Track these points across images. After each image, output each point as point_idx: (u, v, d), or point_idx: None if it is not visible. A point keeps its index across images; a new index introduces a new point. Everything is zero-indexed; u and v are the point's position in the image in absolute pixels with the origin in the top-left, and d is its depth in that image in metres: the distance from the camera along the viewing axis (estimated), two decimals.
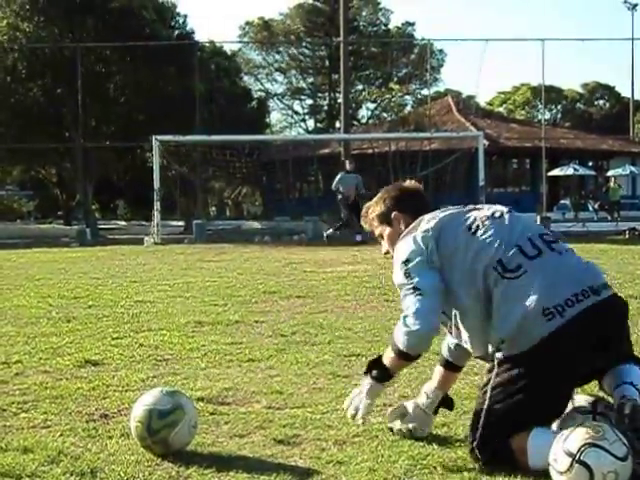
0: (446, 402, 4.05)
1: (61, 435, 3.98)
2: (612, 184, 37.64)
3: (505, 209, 3.77)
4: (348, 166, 21.96)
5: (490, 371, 3.54)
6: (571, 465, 3.10)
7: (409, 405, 4.00)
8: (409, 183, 4.09)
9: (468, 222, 3.66)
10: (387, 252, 3.97)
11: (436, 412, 4.01)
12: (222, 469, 3.46)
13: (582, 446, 3.11)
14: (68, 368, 5.61)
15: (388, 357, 3.73)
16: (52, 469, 3.48)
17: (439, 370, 4.09)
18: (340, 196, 21.44)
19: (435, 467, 3.47)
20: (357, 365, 5.57)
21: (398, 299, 9.11)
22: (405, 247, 3.66)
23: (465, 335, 3.67)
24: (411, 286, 3.59)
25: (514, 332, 3.42)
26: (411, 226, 3.75)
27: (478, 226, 3.63)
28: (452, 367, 4.07)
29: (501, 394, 3.44)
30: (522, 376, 3.41)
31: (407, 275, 3.60)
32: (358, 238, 20.25)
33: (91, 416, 4.37)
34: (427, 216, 3.75)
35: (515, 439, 3.37)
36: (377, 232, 4.00)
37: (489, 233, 3.59)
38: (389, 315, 7.88)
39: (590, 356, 3.47)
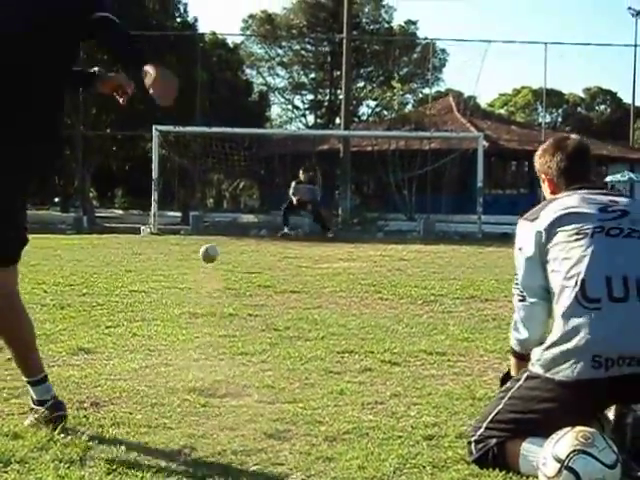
0: None
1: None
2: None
3: (629, 228, 3.49)
4: (302, 176, 22.02)
5: (517, 380, 3.54)
6: (559, 471, 3.10)
7: None
8: (578, 144, 3.86)
9: (577, 228, 3.48)
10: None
11: None
12: (212, 462, 3.47)
13: (571, 452, 3.11)
14: (61, 355, 5.61)
15: (512, 360, 3.82)
16: (41, 456, 3.48)
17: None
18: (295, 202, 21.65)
19: (424, 466, 3.47)
20: (350, 362, 5.58)
21: (392, 297, 9.18)
22: (523, 234, 3.62)
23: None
24: (519, 288, 3.64)
25: (556, 357, 3.35)
26: (539, 206, 3.67)
27: (587, 234, 3.45)
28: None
29: (518, 406, 3.45)
30: (542, 400, 3.39)
31: (519, 269, 3.63)
32: (286, 230, 21.24)
33: (82, 404, 4.37)
34: (555, 203, 3.62)
35: (510, 442, 3.39)
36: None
37: (590, 251, 3.41)
38: (383, 313, 7.89)
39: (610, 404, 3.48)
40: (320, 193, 22.42)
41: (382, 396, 4.65)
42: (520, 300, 3.62)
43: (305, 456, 3.60)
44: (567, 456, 3.10)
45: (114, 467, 3.37)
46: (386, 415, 4.24)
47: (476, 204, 23.62)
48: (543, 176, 3.88)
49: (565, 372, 3.32)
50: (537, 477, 3.23)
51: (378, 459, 3.54)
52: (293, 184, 21.85)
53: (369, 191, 40.70)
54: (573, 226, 3.49)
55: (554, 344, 3.37)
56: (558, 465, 3.10)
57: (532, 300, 3.58)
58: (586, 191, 3.66)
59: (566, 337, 3.33)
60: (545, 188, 3.90)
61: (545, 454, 3.17)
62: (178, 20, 38.19)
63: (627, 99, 61.66)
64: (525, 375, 3.50)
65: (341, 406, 4.39)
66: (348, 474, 3.37)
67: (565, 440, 3.15)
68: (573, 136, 3.97)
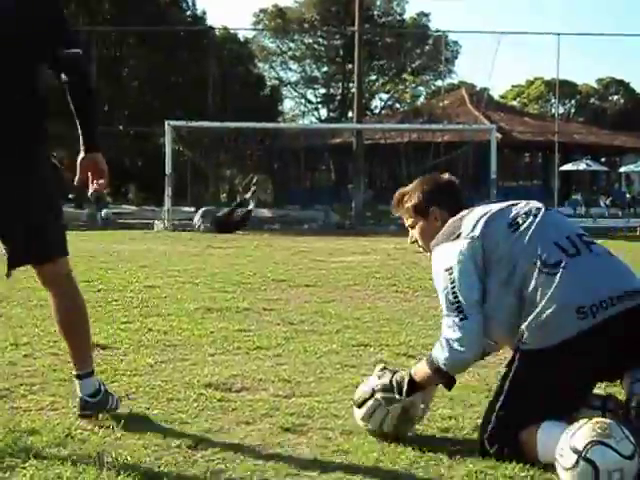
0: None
1: (68, 418, 3.99)
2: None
3: (542, 206, 3.73)
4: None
5: (510, 364, 3.53)
6: (577, 462, 3.09)
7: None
8: (447, 177, 4.01)
9: (509, 220, 3.62)
10: (415, 241, 3.95)
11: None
12: (229, 456, 3.47)
13: (588, 443, 3.09)
14: None
15: (422, 373, 3.71)
16: (59, 451, 3.50)
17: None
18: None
19: (441, 459, 3.46)
20: (365, 355, 5.59)
21: (407, 290, 9.16)
22: (448, 254, 3.60)
23: (495, 331, 3.64)
24: (456, 307, 3.53)
25: (544, 326, 3.39)
26: (450, 227, 3.69)
27: (518, 222, 3.60)
28: None
29: (519, 388, 3.44)
30: (542, 372, 3.40)
31: (452, 289, 3.54)
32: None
33: None
34: (468, 217, 3.68)
35: (525, 431, 3.38)
36: (408, 222, 3.95)
37: (529, 230, 3.56)
38: (397, 306, 7.89)
39: (615, 360, 3.46)
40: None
41: None
42: (462, 319, 3.51)
43: (322, 450, 3.60)
44: (584, 447, 3.08)
45: (131, 462, 3.37)
46: None
47: (490, 196, 23.60)
48: (428, 210, 3.86)
49: (558, 335, 3.37)
50: (555, 468, 3.22)
51: (394, 452, 3.54)
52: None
53: (382, 184, 40.68)
54: (503, 222, 3.60)
55: (538, 318, 3.40)
56: (575, 456, 3.09)
57: (472, 316, 3.52)
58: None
59: (547, 306, 3.39)
60: (432, 221, 3.85)
61: (562, 445, 3.16)
62: (190, 16, 38.20)
63: None
64: (517, 360, 3.49)
65: None
66: (365, 467, 3.37)
67: (582, 431, 3.14)
68: (444, 175, 4.05)
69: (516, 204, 3.73)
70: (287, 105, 60.86)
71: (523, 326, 3.45)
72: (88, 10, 34.06)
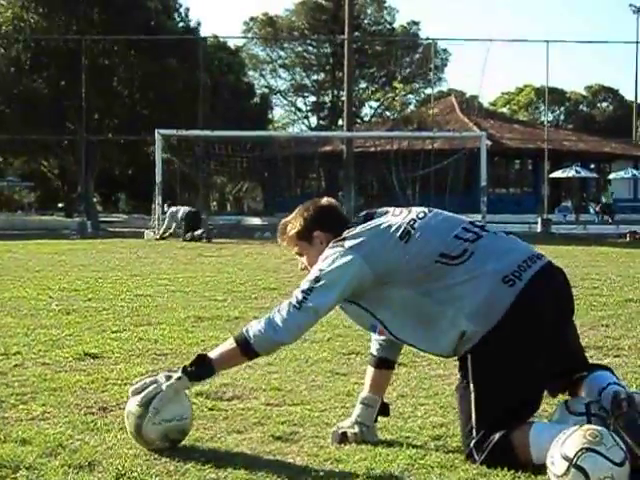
0: (384, 410, 3.95)
1: (59, 427, 3.98)
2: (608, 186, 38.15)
3: (426, 209, 3.78)
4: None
5: (462, 367, 3.55)
6: (568, 469, 3.10)
7: (346, 423, 3.89)
8: (326, 200, 3.99)
9: (397, 232, 3.61)
10: (304, 268, 3.88)
11: (376, 421, 3.91)
12: (220, 465, 3.46)
13: (579, 450, 3.10)
14: (67, 360, 5.62)
15: (224, 348, 3.69)
16: (50, 461, 3.49)
17: (371, 372, 3.99)
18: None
19: (432, 467, 3.46)
20: (356, 363, 5.59)
21: None
22: (329, 259, 3.59)
23: (414, 338, 3.62)
24: (306, 293, 3.55)
25: (481, 309, 3.45)
26: (335, 241, 3.67)
27: (408, 231, 3.61)
28: (386, 364, 3.99)
29: (484, 383, 3.45)
30: (499, 352, 3.43)
31: (314, 282, 3.55)
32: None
33: (90, 409, 4.37)
34: (350, 234, 3.65)
35: (516, 434, 3.37)
36: (295, 250, 3.90)
37: (421, 233, 3.60)
38: None
39: (554, 315, 3.55)
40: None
41: (389, 397, 4.63)
42: (297, 308, 3.53)
43: (313, 458, 3.60)
44: (575, 454, 3.09)
45: (123, 472, 3.37)
46: (393, 416, 4.23)
47: (480, 203, 23.63)
48: (312, 235, 3.83)
49: (496, 310, 3.44)
50: (546, 472, 3.22)
51: (386, 460, 3.54)
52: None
53: (372, 191, 40.69)
54: (392, 238, 3.60)
55: (471, 306, 3.46)
56: (567, 464, 3.10)
57: (307, 312, 3.54)
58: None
59: (475, 290, 3.47)
60: (316, 245, 3.81)
61: (553, 453, 3.17)
62: (180, 25, 38.22)
63: (629, 96, 61.78)
64: (470, 361, 3.49)
65: (348, 408, 4.38)
66: (356, 476, 3.37)
67: (573, 438, 3.15)
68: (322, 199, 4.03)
69: (397, 214, 3.73)
70: (277, 113, 60.98)
71: (462, 324, 3.47)
72: (78, 19, 34.04)
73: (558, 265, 3.72)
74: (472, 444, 3.46)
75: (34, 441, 3.73)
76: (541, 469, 3.27)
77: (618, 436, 3.19)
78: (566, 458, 3.10)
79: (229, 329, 6.94)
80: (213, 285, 10.08)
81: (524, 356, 3.44)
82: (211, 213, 33.37)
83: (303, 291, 3.56)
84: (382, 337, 3.91)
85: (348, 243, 3.60)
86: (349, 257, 3.56)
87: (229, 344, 3.69)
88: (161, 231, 22.33)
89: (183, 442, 3.74)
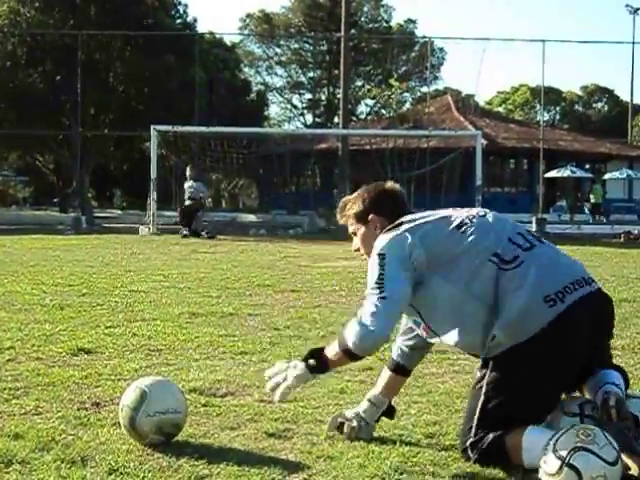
0: (389, 412, 3.97)
1: (52, 422, 3.99)
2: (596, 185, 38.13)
3: (487, 210, 3.83)
4: (188, 172, 22.03)
5: (484, 367, 3.53)
6: (560, 468, 3.11)
7: (349, 413, 3.91)
8: (390, 185, 4.02)
9: (455, 222, 3.66)
10: (357, 249, 3.93)
11: (377, 420, 3.93)
12: (213, 461, 3.46)
13: (572, 449, 3.11)
14: (61, 356, 5.61)
15: (332, 351, 3.67)
16: (43, 456, 3.48)
17: (387, 375, 4.01)
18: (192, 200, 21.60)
19: (425, 465, 3.47)
20: None
21: None
22: (384, 242, 3.61)
23: (452, 335, 3.60)
24: (378, 286, 3.54)
25: (516, 321, 3.42)
26: (391, 226, 3.70)
27: (467, 224, 3.64)
28: (402, 371, 4.02)
29: (498, 389, 3.45)
30: (520, 367, 3.42)
31: (380, 271, 3.55)
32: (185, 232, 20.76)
33: (83, 404, 4.37)
34: (407, 219, 3.70)
35: (510, 436, 3.38)
36: (351, 229, 3.94)
37: (480, 229, 3.62)
38: None
39: (587, 344, 3.51)
40: (206, 190, 22.70)
41: None
42: (380, 299, 3.52)
43: (306, 455, 3.60)
44: (568, 453, 3.10)
45: (115, 467, 3.37)
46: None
47: (475, 202, 23.63)
48: (367, 217, 3.86)
49: (530, 326, 3.41)
50: (539, 472, 3.23)
51: (379, 457, 3.54)
52: (191, 183, 21.75)
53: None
54: (448, 226, 3.64)
55: (508, 315, 3.43)
56: (559, 462, 3.11)
57: (392, 299, 3.53)
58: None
59: (515, 301, 3.43)
60: (371, 229, 3.84)
61: (546, 452, 3.17)
62: (178, 21, 38.18)
63: (625, 96, 61.82)
64: (491, 364, 3.49)
65: (342, 405, 4.39)
66: (349, 473, 3.37)
67: (566, 438, 3.15)
68: (388, 182, 4.05)
69: (459, 210, 3.79)
70: (273, 110, 60.89)
71: (495, 328, 3.45)
72: (74, 14, 33.99)
73: (606, 293, 3.67)
74: (468, 443, 3.46)
75: (27, 436, 3.73)
76: (532, 469, 3.28)
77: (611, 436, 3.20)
78: (559, 457, 3.11)
79: (223, 325, 6.95)
80: (207, 281, 10.07)
81: (543, 378, 3.43)
82: (206, 209, 33.28)
83: (375, 283, 3.55)
84: (406, 343, 3.96)
85: (404, 227, 3.64)
86: (404, 237, 3.59)
87: (335, 347, 3.66)
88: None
89: (176, 438, 3.74)
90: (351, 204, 3.94)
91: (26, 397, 4.48)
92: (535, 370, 3.41)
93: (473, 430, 3.47)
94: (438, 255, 3.58)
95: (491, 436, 3.42)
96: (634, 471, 3.22)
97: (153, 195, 23.75)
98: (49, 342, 6.04)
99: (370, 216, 3.85)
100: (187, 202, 21.49)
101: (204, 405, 4.37)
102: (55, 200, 47.07)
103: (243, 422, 4.08)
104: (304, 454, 3.61)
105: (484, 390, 3.48)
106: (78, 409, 4.26)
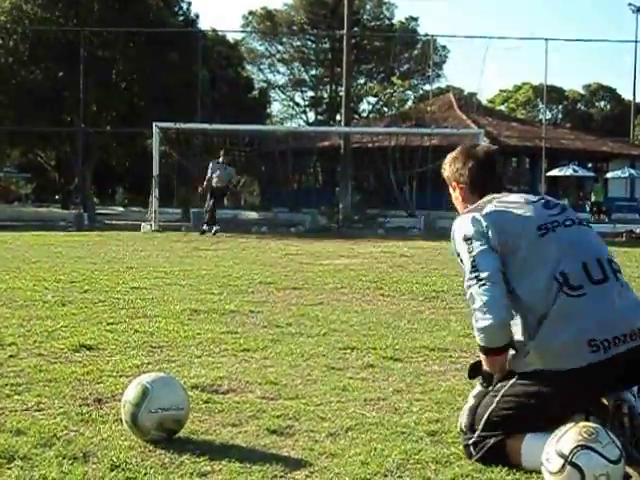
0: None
1: (54, 418, 3.99)
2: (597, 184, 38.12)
3: (576, 218, 3.64)
4: (222, 158, 21.88)
5: (508, 378, 3.48)
6: (563, 466, 3.10)
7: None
8: (483, 154, 3.85)
9: (538, 221, 3.52)
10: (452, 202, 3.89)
11: None
12: (215, 457, 3.46)
13: (574, 448, 3.10)
14: (63, 352, 5.61)
15: (482, 359, 3.59)
16: (45, 452, 3.49)
17: None
18: (207, 183, 21.48)
19: (427, 462, 3.47)
20: (351, 358, 5.58)
21: (393, 293, 9.15)
22: (466, 225, 3.54)
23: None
24: (474, 275, 3.44)
25: (553, 352, 3.34)
26: (475, 204, 3.64)
27: (547, 229, 3.50)
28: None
29: (511, 403, 3.42)
30: (541, 394, 3.37)
31: (470, 258, 3.47)
32: (205, 227, 20.77)
33: (85, 400, 4.37)
34: (493, 198, 3.62)
35: (510, 441, 3.39)
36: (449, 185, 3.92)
37: (558, 240, 3.47)
38: (385, 309, 7.89)
39: (614, 388, 3.44)
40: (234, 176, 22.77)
41: (385, 392, 4.65)
42: (480, 285, 3.43)
43: (308, 452, 3.60)
44: (571, 452, 3.09)
45: (117, 463, 3.37)
46: (389, 411, 4.25)
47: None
48: (454, 183, 3.85)
49: (565, 362, 3.32)
50: (540, 473, 3.23)
51: (381, 455, 3.54)
52: (211, 163, 21.67)
53: (370, 187, 40.67)
54: (532, 222, 3.51)
55: (548, 341, 3.35)
56: (562, 461, 3.10)
57: (492, 282, 3.42)
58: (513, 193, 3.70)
59: (558, 328, 3.34)
60: (456, 196, 3.84)
61: (549, 450, 3.17)
62: (181, 18, 38.15)
63: (627, 95, 61.78)
64: (516, 375, 3.46)
65: (344, 402, 4.39)
66: (351, 470, 3.37)
67: (569, 436, 3.15)
68: (483, 144, 3.98)
69: (551, 206, 3.64)
70: (275, 108, 60.84)
71: (532, 345, 3.40)
72: (77, 10, 33.95)
73: None
74: (471, 442, 3.47)
75: (29, 432, 3.73)
76: (534, 470, 3.28)
77: (614, 434, 3.19)
78: (561, 455, 3.10)
79: (224, 322, 6.95)
80: (209, 279, 10.07)
81: (560, 408, 3.37)
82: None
83: (470, 272, 3.47)
84: None
85: (486, 209, 3.56)
86: (478, 219, 3.52)
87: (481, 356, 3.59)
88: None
89: (178, 434, 3.73)
90: (446, 165, 3.90)
91: (28, 393, 4.48)
92: (555, 400, 3.35)
93: (477, 432, 3.47)
94: (505, 248, 3.48)
95: (493, 440, 3.43)
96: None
97: (155, 192, 23.77)
98: (51, 338, 6.04)
99: (460, 185, 3.82)
100: (217, 185, 21.36)
101: (206, 402, 4.37)
102: (57, 197, 47.09)
103: (245, 419, 4.08)
104: (306, 451, 3.61)
105: (498, 399, 3.46)
106: (80, 405, 4.26)
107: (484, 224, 3.51)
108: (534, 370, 3.39)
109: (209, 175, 21.24)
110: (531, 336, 3.41)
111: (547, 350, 3.36)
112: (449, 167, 3.88)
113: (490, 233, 3.49)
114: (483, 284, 3.41)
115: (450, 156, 3.91)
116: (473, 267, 3.45)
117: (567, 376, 3.33)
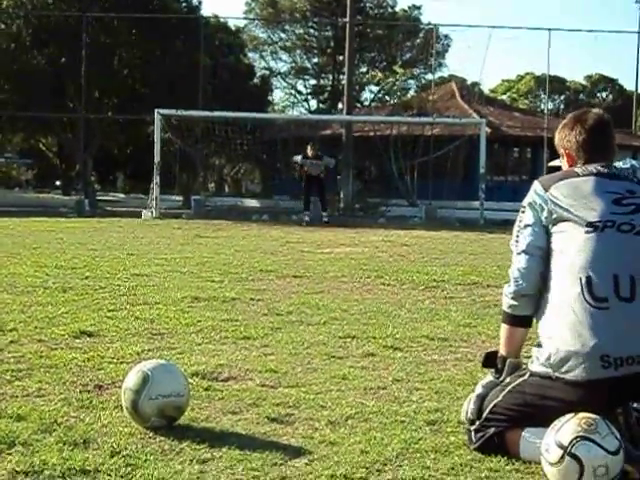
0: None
1: (55, 405, 4.00)
2: None
3: (636, 225, 3.41)
4: (310, 152, 22.14)
5: (519, 376, 3.49)
6: (562, 457, 3.11)
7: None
8: (598, 117, 3.74)
9: (593, 217, 3.40)
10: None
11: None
12: (215, 445, 3.47)
13: (574, 439, 3.11)
14: (63, 338, 5.62)
15: (504, 335, 3.60)
16: (45, 438, 3.50)
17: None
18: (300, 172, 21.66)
19: (427, 451, 3.48)
20: (352, 347, 5.59)
21: (394, 282, 9.17)
22: (531, 193, 3.56)
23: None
24: (515, 241, 3.55)
25: (564, 359, 3.30)
26: (552, 175, 3.60)
27: (596, 228, 3.38)
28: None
29: (518, 400, 3.43)
30: (547, 398, 3.36)
31: (518, 224, 3.56)
32: (307, 219, 21.10)
33: (85, 387, 4.38)
34: (575, 180, 3.53)
35: (510, 433, 3.42)
36: None
37: (598, 243, 3.36)
38: (385, 298, 7.90)
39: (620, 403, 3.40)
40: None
41: (384, 381, 4.66)
42: (518, 253, 3.51)
43: (308, 440, 3.61)
44: (570, 442, 3.10)
45: (117, 450, 3.38)
46: (388, 400, 4.25)
47: (478, 190, 23.61)
48: (562, 150, 3.78)
49: (574, 372, 3.28)
50: (538, 463, 3.24)
51: (381, 444, 3.55)
52: (299, 158, 21.83)
53: (371, 176, 40.60)
54: (584, 215, 3.41)
55: (561, 344, 3.32)
56: (561, 451, 3.11)
57: (529, 254, 3.47)
58: (602, 178, 3.53)
59: (574, 337, 3.28)
60: (564, 163, 3.77)
61: (548, 440, 3.18)
62: (183, 4, 38.05)
63: (629, 86, 61.63)
64: (528, 372, 3.47)
65: (344, 391, 4.40)
66: (350, 458, 3.37)
67: (568, 426, 3.15)
68: (594, 110, 3.85)
69: (625, 203, 3.46)
70: (277, 95, 60.84)
71: (546, 339, 3.39)
72: None
73: None
74: (473, 428, 3.49)
75: (29, 417, 3.74)
76: (532, 461, 3.30)
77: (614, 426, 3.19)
78: (561, 446, 3.11)
79: (225, 310, 6.96)
80: (210, 266, 10.07)
81: (562, 410, 3.30)
82: (209, 194, 33.21)
83: (515, 235, 3.57)
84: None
85: (550, 189, 3.52)
86: (540, 192, 3.53)
87: (502, 328, 3.62)
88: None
89: (178, 421, 3.75)
90: (557, 131, 3.84)
91: (29, 379, 4.49)
92: (558, 407, 3.31)
93: (481, 419, 3.49)
94: (556, 230, 3.47)
95: (493, 430, 3.45)
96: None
97: (156, 179, 23.74)
98: (52, 324, 6.05)
99: (566, 151, 3.76)
100: (313, 173, 21.96)
101: (206, 389, 4.38)
102: (58, 183, 47.01)
103: (245, 406, 4.09)
104: (306, 439, 3.62)
105: (505, 392, 3.47)
106: (80, 391, 4.27)
107: (545, 198, 3.51)
108: (544, 373, 3.38)
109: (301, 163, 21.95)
110: (547, 333, 3.41)
111: (557, 355, 3.32)
112: (558, 134, 3.82)
113: (545, 209, 3.49)
114: (519, 254, 3.52)
115: (562, 123, 3.83)
116: (517, 236, 3.56)
117: (574, 386, 3.30)
